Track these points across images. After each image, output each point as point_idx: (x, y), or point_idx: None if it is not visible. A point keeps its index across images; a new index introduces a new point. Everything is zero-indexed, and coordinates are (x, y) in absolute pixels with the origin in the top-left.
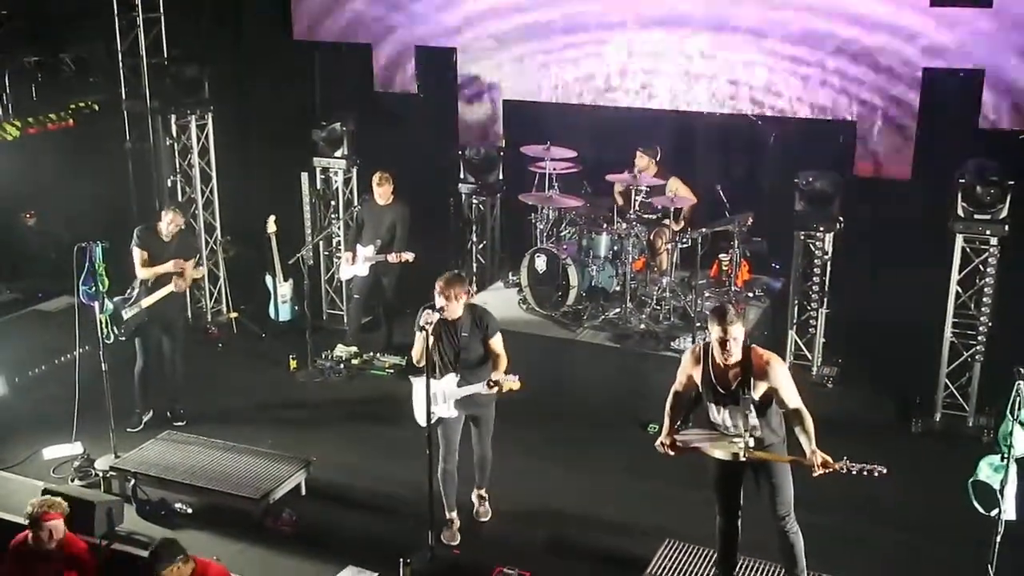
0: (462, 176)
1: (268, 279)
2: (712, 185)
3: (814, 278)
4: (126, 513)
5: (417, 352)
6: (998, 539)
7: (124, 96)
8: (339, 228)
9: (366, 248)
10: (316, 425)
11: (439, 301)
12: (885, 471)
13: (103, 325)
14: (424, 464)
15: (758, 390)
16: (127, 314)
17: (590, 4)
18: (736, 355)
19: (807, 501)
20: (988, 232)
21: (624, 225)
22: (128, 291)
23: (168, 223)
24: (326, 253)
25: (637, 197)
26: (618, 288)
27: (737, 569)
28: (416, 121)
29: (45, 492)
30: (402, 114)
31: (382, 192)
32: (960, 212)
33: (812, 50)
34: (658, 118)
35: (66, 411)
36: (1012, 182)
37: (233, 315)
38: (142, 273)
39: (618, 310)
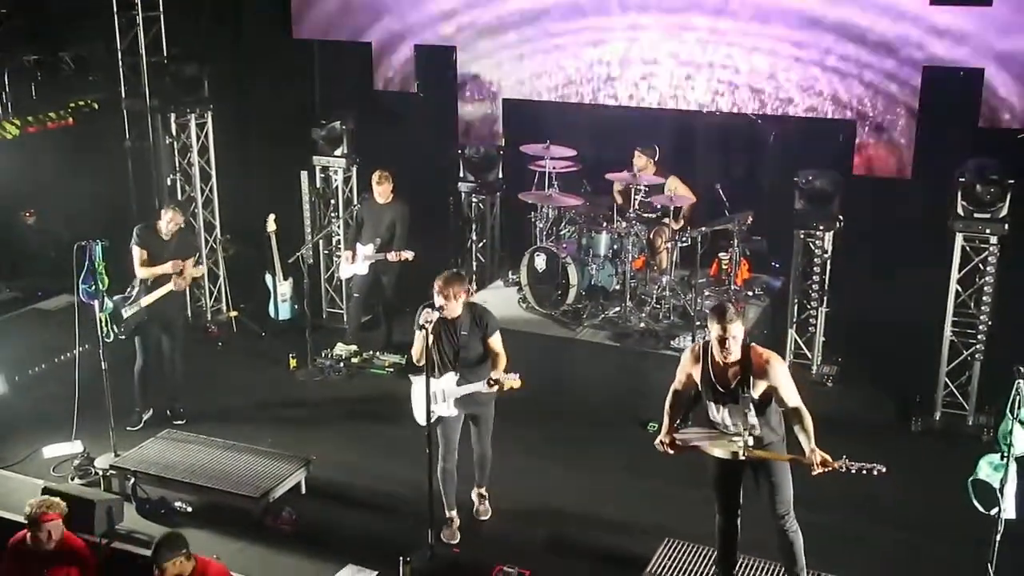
0: (462, 175)
1: (268, 278)
2: (712, 184)
3: (814, 277)
4: (126, 512)
5: (417, 351)
6: (998, 538)
7: (124, 95)
8: (339, 227)
9: (366, 247)
10: (316, 424)
11: (438, 300)
12: (884, 470)
13: (103, 324)
14: (424, 463)
15: (757, 389)
16: (127, 313)
17: None
18: (735, 354)
19: (806, 500)
20: (988, 231)
21: (624, 224)
22: (128, 290)
23: (168, 222)
24: (326, 252)
25: (636, 196)
26: (618, 287)
27: (737, 568)
28: (416, 120)
29: (45, 491)
30: (402, 113)
31: (382, 191)
32: (960, 211)
33: (812, 49)
34: (658, 117)
35: (66, 410)
36: (1012, 181)
37: (233, 314)
38: (141, 272)
39: (618, 309)
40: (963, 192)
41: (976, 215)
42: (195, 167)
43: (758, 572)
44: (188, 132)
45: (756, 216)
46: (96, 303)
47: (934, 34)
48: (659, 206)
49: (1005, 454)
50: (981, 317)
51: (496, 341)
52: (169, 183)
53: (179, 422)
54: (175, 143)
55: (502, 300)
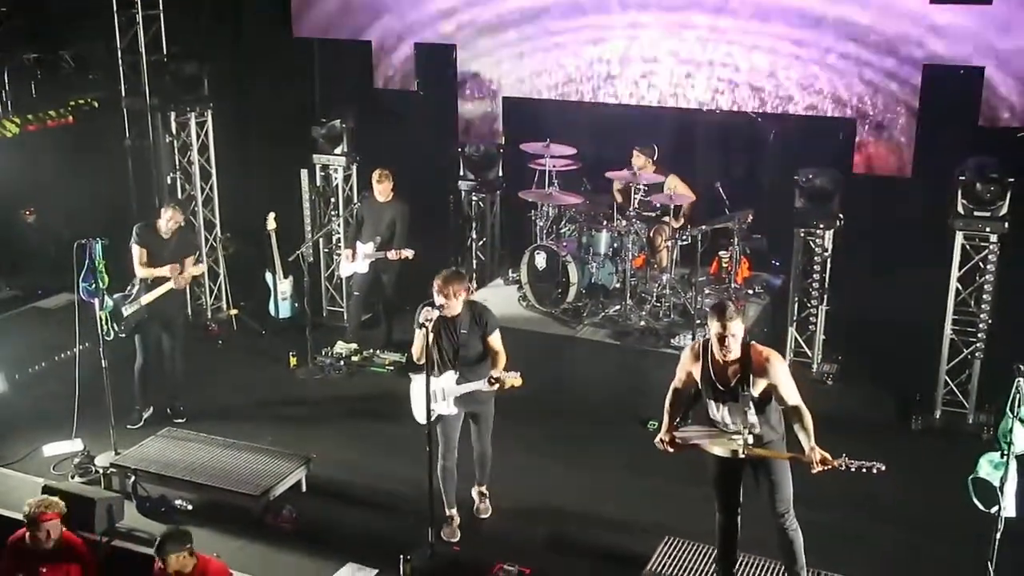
0: (462, 173)
1: (268, 276)
2: (712, 182)
3: (814, 275)
4: (126, 510)
5: (417, 349)
6: (998, 536)
7: (124, 93)
8: (339, 225)
9: (366, 245)
10: (316, 422)
11: (438, 298)
12: (884, 468)
13: (103, 322)
14: (424, 461)
15: (757, 387)
16: (127, 311)
17: None
18: (735, 352)
19: (806, 498)
20: (988, 229)
21: (624, 222)
22: (128, 288)
23: (167, 220)
24: (326, 250)
25: (636, 195)
26: (618, 285)
27: (737, 566)
28: (416, 118)
29: (45, 489)
30: (402, 111)
31: (382, 189)
32: (960, 209)
33: (812, 47)
34: (658, 115)
35: (66, 408)
36: (1012, 179)
37: (233, 312)
38: (140, 272)
39: (618, 307)
40: (963, 190)
41: (976, 213)
42: (195, 165)
43: (758, 570)
44: (188, 130)
45: (756, 214)
46: (96, 301)
47: (934, 32)
48: (658, 205)
49: (1005, 452)
50: (981, 315)
51: (496, 340)
52: (169, 182)
53: (179, 420)
54: (175, 141)
55: (502, 298)
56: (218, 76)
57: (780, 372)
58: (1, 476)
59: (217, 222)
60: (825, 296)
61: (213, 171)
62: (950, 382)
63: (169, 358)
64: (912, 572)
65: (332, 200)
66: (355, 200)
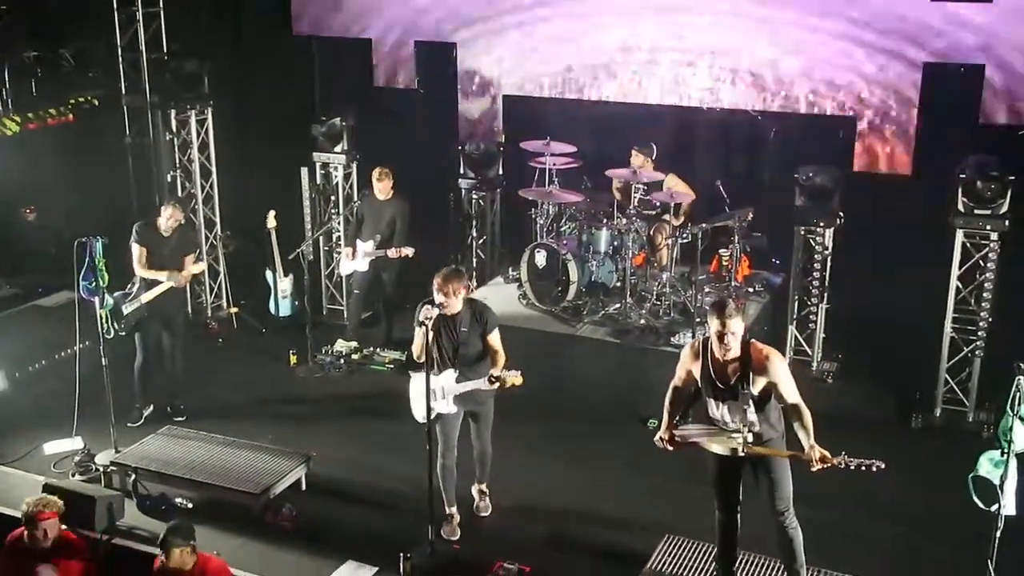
0: (462, 171)
1: (268, 274)
2: (712, 180)
3: (814, 273)
4: (127, 508)
5: (417, 348)
6: (998, 534)
7: (124, 91)
8: (339, 223)
9: (366, 243)
10: (316, 420)
11: (438, 297)
12: (883, 466)
13: (103, 320)
14: (424, 459)
15: (757, 385)
16: (127, 309)
17: None
18: (734, 350)
19: (806, 496)
20: (988, 227)
21: (624, 220)
22: (128, 286)
23: (167, 218)
24: (326, 248)
25: (636, 194)
26: (618, 283)
27: (736, 564)
28: (416, 117)
29: (46, 487)
30: (402, 110)
31: (382, 187)
32: (960, 207)
33: (812, 45)
34: (658, 113)
35: (66, 406)
36: (1012, 177)
37: (233, 310)
38: (139, 271)
39: (618, 305)
40: (963, 188)
41: (976, 211)
42: (195, 163)
43: (758, 568)
44: (188, 128)
45: (756, 212)
46: (96, 299)
47: (935, 30)
48: (658, 203)
49: (1005, 450)
50: (981, 313)
51: (495, 338)
52: (169, 179)
53: (179, 418)
54: (175, 139)
55: (502, 297)
56: (218, 74)
57: (780, 370)
58: (1, 474)
59: (217, 220)
60: (825, 294)
61: (213, 169)
62: (950, 380)
63: (169, 356)
64: (912, 570)
65: (332, 198)
66: (355, 198)
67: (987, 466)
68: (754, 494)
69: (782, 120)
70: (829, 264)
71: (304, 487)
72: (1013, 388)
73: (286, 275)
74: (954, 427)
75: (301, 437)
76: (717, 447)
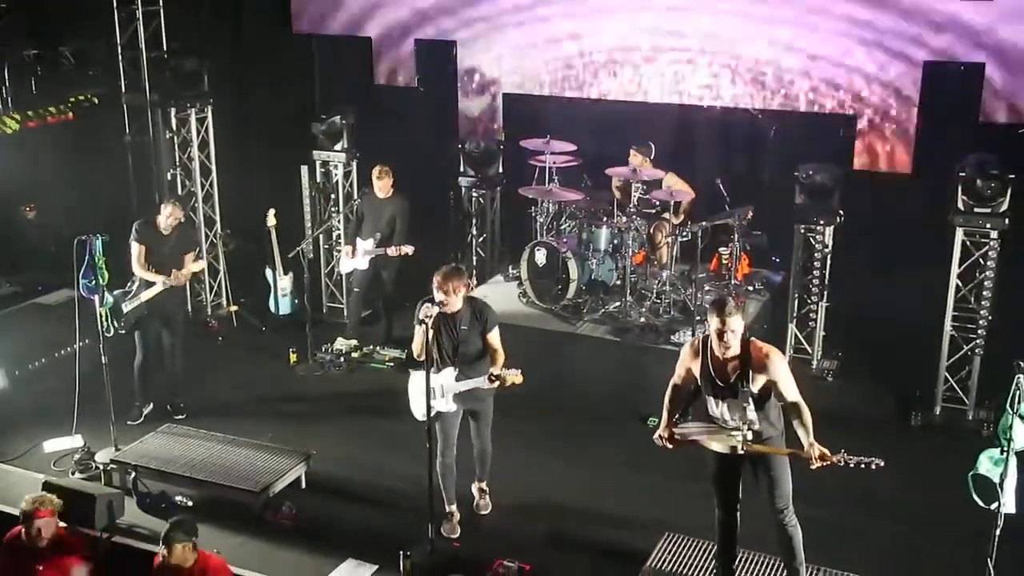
0: (462, 169)
1: (268, 272)
2: (712, 178)
3: (814, 272)
4: (127, 506)
5: (417, 346)
6: (998, 532)
7: (124, 89)
8: (339, 221)
9: (366, 242)
10: (316, 418)
11: (438, 295)
12: (883, 464)
13: (103, 318)
14: (424, 457)
15: (757, 383)
16: (127, 307)
17: None
18: (734, 348)
19: (805, 494)
20: (988, 226)
21: (624, 219)
22: (128, 284)
23: (167, 216)
24: (326, 247)
25: (635, 193)
26: (618, 282)
27: (736, 562)
28: (416, 115)
29: (46, 485)
30: (402, 108)
31: (382, 185)
32: (960, 206)
33: (813, 43)
34: (658, 111)
35: (66, 404)
36: (1012, 176)
37: (233, 308)
38: (137, 270)
39: (618, 304)
40: (963, 187)
41: (976, 210)
42: (195, 162)
43: (757, 566)
44: (188, 127)
45: (756, 211)
46: (96, 298)
47: (935, 28)
48: (658, 201)
49: (1005, 449)
50: (981, 312)
51: (495, 337)
52: (169, 178)
53: (179, 417)
54: (175, 138)
55: (502, 295)
56: (218, 72)
57: (779, 368)
58: (1, 472)
59: (217, 218)
60: (825, 292)
61: (213, 167)
62: (950, 378)
63: (169, 354)
64: (911, 568)
65: (332, 196)
66: (355, 196)
67: (987, 464)
68: (754, 492)
69: (782, 118)
70: (829, 262)
71: (304, 485)
72: (1013, 386)
73: (286, 273)
74: (954, 425)
75: (301, 435)
76: (717, 445)
